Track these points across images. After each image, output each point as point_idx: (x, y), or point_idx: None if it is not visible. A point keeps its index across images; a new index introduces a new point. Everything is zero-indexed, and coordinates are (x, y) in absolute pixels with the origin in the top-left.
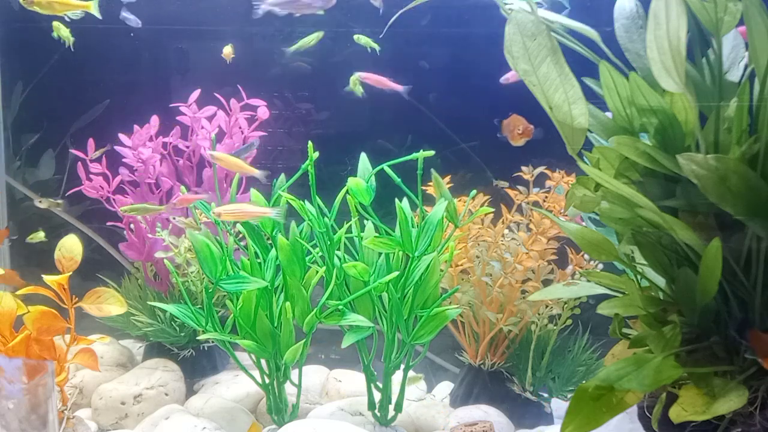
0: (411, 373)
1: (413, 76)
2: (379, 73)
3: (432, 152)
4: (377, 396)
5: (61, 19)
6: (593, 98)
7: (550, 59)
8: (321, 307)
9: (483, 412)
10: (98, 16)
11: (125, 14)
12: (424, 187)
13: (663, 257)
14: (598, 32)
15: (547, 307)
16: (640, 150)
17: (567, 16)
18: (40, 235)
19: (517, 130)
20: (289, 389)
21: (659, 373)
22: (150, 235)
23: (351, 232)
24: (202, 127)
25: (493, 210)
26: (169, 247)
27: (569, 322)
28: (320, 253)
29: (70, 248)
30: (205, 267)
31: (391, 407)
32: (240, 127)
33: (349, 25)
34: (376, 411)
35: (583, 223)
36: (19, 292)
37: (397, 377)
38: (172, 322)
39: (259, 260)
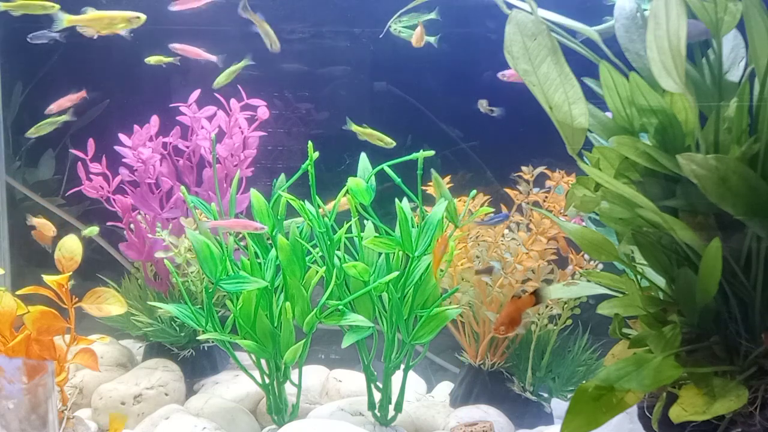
0: None
1: (413, 76)
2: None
3: (432, 152)
4: (377, 396)
5: None
6: (593, 98)
7: (550, 59)
8: (321, 307)
9: (483, 412)
10: None
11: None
12: (424, 187)
13: (663, 257)
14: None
15: (547, 307)
16: (640, 150)
17: (566, 16)
18: (94, 230)
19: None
20: (289, 389)
21: (659, 373)
22: (150, 235)
23: (351, 232)
24: (202, 127)
25: (493, 210)
26: (169, 247)
27: (569, 322)
28: (320, 253)
29: (70, 248)
30: (205, 267)
31: (391, 407)
32: (240, 127)
33: (349, 24)
34: (376, 411)
35: (583, 224)
36: (19, 292)
37: (397, 377)
38: (172, 322)
39: (259, 260)
